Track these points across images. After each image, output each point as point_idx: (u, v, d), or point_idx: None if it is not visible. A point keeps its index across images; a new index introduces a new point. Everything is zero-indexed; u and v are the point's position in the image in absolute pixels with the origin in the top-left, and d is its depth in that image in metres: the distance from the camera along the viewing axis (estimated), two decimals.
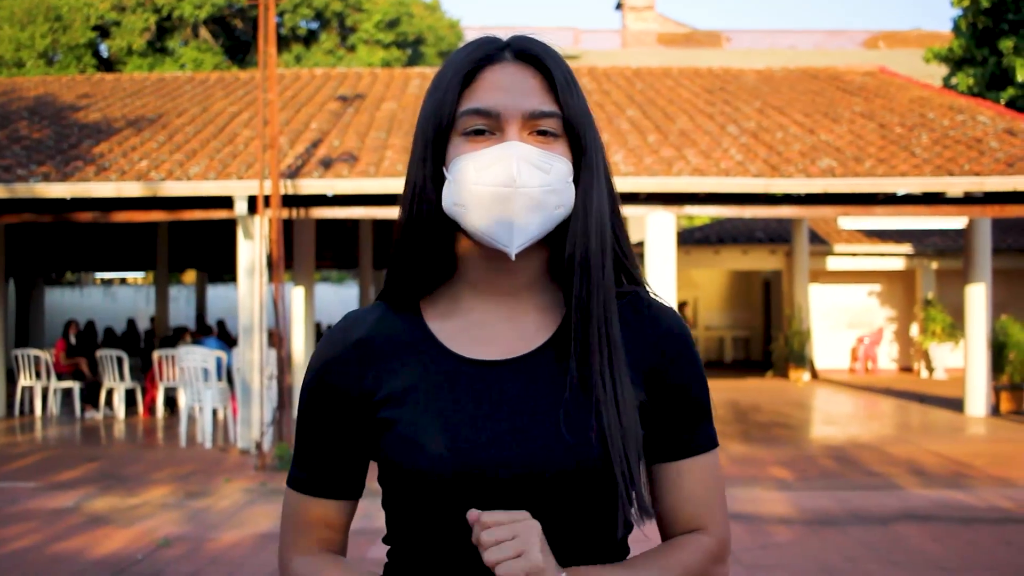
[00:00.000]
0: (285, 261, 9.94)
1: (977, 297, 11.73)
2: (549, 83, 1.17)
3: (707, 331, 20.89)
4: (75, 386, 12.13)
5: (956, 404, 12.37)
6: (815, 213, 10.89)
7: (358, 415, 1.20)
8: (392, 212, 10.18)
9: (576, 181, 1.18)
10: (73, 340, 12.42)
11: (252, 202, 9.54)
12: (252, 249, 9.71)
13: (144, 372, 12.73)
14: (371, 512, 2.42)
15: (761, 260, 18.47)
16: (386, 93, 13.86)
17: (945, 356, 17.12)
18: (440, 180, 1.18)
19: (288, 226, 11.27)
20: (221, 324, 15.96)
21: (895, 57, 28.81)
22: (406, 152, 10.60)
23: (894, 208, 10.53)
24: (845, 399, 14.41)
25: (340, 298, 24.33)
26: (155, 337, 16.54)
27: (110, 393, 12.20)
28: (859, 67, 16.12)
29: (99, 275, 27.34)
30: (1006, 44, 17.20)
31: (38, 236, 16.40)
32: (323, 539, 1.25)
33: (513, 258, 1.15)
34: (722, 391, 14.38)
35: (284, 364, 8.96)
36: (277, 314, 8.99)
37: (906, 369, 18.63)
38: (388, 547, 1.25)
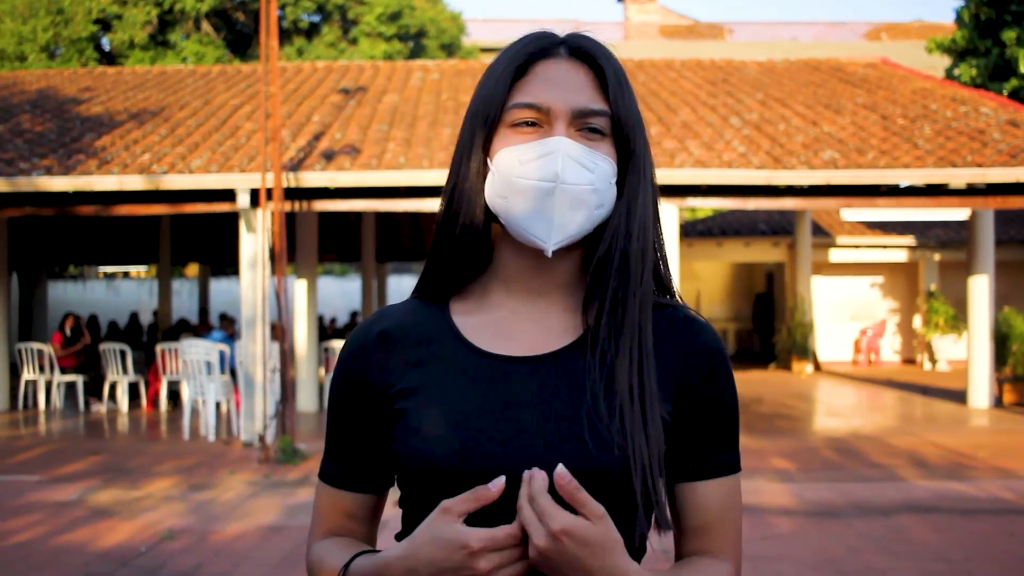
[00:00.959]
0: (287, 254, 9.95)
1: (980, 289, 11.73)
2: (601, 82, 1.16)
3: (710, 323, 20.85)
4: (79, 380, 12.16)
5: (959, 396, 12.38)
6: (818, 205, 10.87)
7: (378, 407, 1.19)
8: (394, 205, 10.18)
9: (621, 183, 1.15)
10: (68, 332, 12.42)
11: (254, 195, 9.54)
12: (254, 242, 9.72)
13: (147, 365, 12.76)
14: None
15: (764, 252, 18.44)
16: (388, 86, 13.86)
17: (948, 348, 17.12)
18: (485, 172, 1.16)
19: (290, 219, 11.28)
20: (223, 317, 15.95)
21: (897, 48, 28.78)
22: (408, 144, 10.59)
23: (897, 200, 10.52)
24: (848, 391, 14.41)
25: (343, 291, 24.32)
26: (158, 330, 16.57)
27: (113, 386, 12.23)
28: (861, 59, 16.10)
29: (102, 269, 27.34)
30: (1009, 35, 17.15)
31: (41, 230, 16.41)
32: (346, 530, 1.25)
33: (550, 255, 1.13)
34: None
35: (287, 357, 8.98)
36: (280, 307, 9.00)
37: (909, 361, 18.63)
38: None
